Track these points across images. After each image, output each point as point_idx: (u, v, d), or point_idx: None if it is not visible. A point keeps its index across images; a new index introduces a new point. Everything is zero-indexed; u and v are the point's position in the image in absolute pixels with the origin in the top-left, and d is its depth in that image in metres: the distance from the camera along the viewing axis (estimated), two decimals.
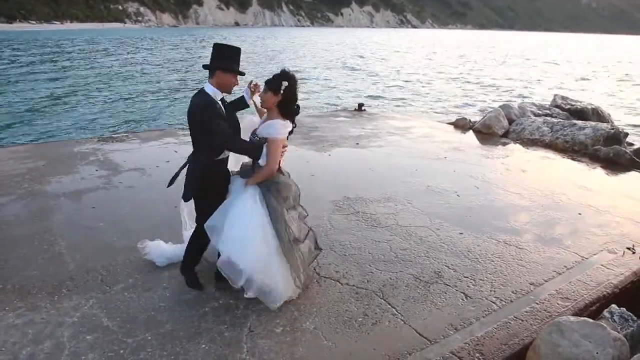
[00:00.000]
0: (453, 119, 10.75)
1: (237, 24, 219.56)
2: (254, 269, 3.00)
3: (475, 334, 2.95)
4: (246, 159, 3.23)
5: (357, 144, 7.94)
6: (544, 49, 78.81)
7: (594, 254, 4.09)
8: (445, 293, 3.40)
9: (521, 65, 43.47)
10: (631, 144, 8.46)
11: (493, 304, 3.28)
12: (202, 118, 2.92)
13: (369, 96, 21.01)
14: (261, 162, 3.01)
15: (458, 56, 54.46)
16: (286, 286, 3.11)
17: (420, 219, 4.74)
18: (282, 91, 2.95)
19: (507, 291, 3.46)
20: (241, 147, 3.05)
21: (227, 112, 3.07)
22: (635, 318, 3.08)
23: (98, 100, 18.68)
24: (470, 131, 9.42)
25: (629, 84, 29.68)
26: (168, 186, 3.21)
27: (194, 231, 3.32)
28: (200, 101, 2.94)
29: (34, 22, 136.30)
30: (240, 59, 3.09)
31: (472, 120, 10.09)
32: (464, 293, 3.41)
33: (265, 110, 3.14)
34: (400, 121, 10.41)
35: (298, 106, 3.12)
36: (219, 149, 3.06)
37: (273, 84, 2.96)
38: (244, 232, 2.97)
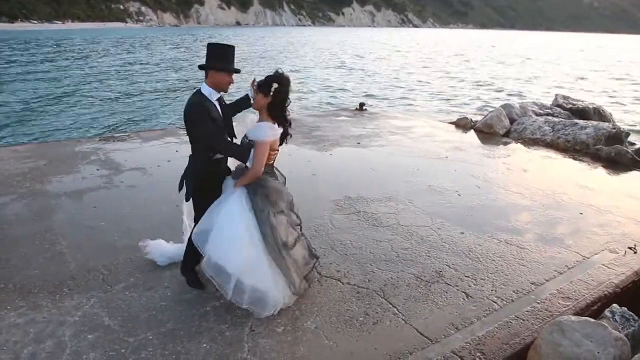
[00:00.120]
0: (454, 118, 10.74)
1: (238, 24, 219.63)
2: (242, 272, 2.95)
3: (476, 333, 2.95)
4: None
5: (359, 143, 7.93)
6: (545, 49, 78.68)
7: (596, 254, 4.08)
8: (447, 292, 3.40)
9: (521, 65, 43.39)
10: (633, 144, 8.43)
11: (494, 304, 3.28)
12: (192, 119, 2.95)
13: (368, 95, 20.99)
14: (248, 164, 2.99)
15: (458, 55, 54.38)
16: (280, 291, 3.05)
17: (422, 219, 4.74)
18: (271, 93, 2.92)
19: (508, 291, 3.46)
20: (229, 150, 3.04)
21: (223, 113, 3.07)
22: (636, 318, 3.07)
23: (98, 99, 18.71)
24: (472, 131, 9.40)
25: (630, 83, 29.60)
26: (179, 190, 3.20)
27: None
28: (193, 102, 2.96)
29: (35, 21, 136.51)
30: (235, 57, 3.09)
31: (474, 119, 10.08)
32: (465, 292, 3.40)
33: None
34: (401, 121, 10.41)
35: (284, 112, 3.03)
36: (212, 149, 3.06)
37: (263, 85, 2.93)
38: (230, 234, 2.95)
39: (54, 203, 4.86)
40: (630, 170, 6.89)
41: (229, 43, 3.14)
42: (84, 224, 4.37)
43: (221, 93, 3.07)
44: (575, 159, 7.43)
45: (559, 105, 10.23)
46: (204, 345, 2.74)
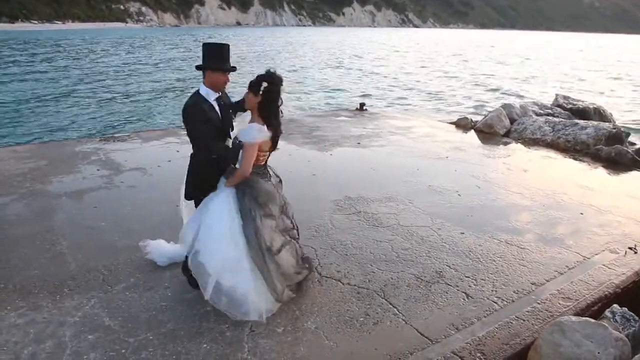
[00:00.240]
0: (454, 118, 10.73)
1: (238, 24, 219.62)
2: (222, 273, 2.91)
3: (476, 333, 2.95)
4: None
5: (359, 143, 7.93)
6: (545, 49, 78.66)
7: (596, 254, 4.08)
8: (447, 293, 3.40)
9: (520, 64, 43.39)
10: (633, 144, 8.43)
11: (494, 304, 3.28)
12: (187, 120, 2.97)
13: (365, 95, 20.98)
14: (237, 165, 2.98)
15: (457, 55, 54.39)
16: (260, 297, 2.97)
17: (422, 219, 4.73)
18: (261, 92, 2.87)
19: (508, 291, 3.45)
20: (219, 152, 3.05)
21: (223, 112, 3.07)
22: (637, 318, 3.07)
23: (95, 100, 18.73)
24: (472, 131, 9.40)
25: (630, 83, 29.58)
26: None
27: None
28: (188, 103, 2.97)
29: (35, 21, 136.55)
30: (234, 57, 3.08)
31: (474, 119, 10.07)
32: (465, 293, 3.40)
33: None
34: (401, 121, 10.41)
35: (275, 113, 2.96)
36: (210, 149, 3.07)
37: (253, 84, 2.89)
38: (213, 233, 2.94)
39: (55, 203, 4.86)
40: (631, 170, 6.89)
41: (223, 42, 3.14)
42: (85, 224, 4.37)
43: (219, 93, 3.07)
44: (575, 159, 7.43)
45: (559, 105, 10.23)
46: (205, 345, 2.74)
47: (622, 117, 15.79)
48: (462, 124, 9.80)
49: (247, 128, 2.92)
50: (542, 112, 9.82)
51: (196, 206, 3.20)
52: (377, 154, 7.33)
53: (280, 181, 3.35)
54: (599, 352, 2.57)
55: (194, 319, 2.98)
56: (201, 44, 3.12)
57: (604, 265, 3.87)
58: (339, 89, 23.81)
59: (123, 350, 2.67)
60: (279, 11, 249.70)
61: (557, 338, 2.68)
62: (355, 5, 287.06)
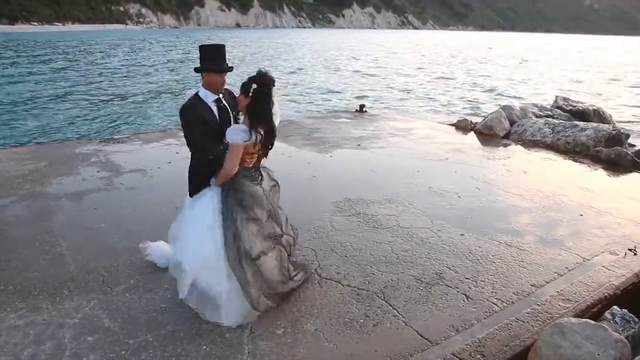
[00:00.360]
0: (454, 120, 10.74)
1: (238, 25, 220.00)
2: (197, 269, 2.88)
3: (476, 335, 2.95)
4: None
5: (359, 145, 7.94)
6: (543, 50, 78.73)
7: (596, 256, 4.08)
8: (447, 294, 3.40)
9: (518, 66, 43.40)
10: (633, 145, 8.42)
11: (494, 305, 3.28)
12: (182, 122, 2.98)
13: (362, 96, 20.98)
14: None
15: (455, 57, 54.46)
16: (234, 300, 2.90)
17: (422, 220, 4.73)
18: (250, 94, 2.83)
19: (508, 292, 3.45)
20: (215, 153, 3.04)
21: (221, 114, 3.07)
22: (637, 319, 3.07)
23: (96, 101, 18.73)
24: (472, 132, 9.41)
25: (630, 85, 29.62)
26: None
27: None
28: (184, 105, 3.00)
29: (35, 23, 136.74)
30: (227, 56, 3.10)
31: (474, 121, 10.08)
32: (465, 294, 3.40)
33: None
34: (401, 122, 10.41)
35: (265, 115, 2.87)
36: (206, 150, 3.07)
37: (244, 85, 2.85)
38: (193, 230, 2.93)
39: (54, 205, 4.86)
40: (630, 172, 6.89)
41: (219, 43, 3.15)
42: (84, 225, 4.37)
43: (218, 94, 3.08)
44: (575, 160, 7.43)
45: (558, 107, 10.24)
46: (204, 347, 2.74)
47: (621, 118, 15.82)
48: (462, 126, 9.81)
49: (233, 129, 2.87)
50: (541, 113, 9.83)
51: None
52: (377, 155, 7.34)
53: (276, 186, 3.28)
54: (598, 354, 2.57)
55: (194, 320, 2.98)
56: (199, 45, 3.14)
57: (603, 266, 3.87)
58: (337, 91, 23.80)
59: (123, 352, 2.67)
60: (278, 13, 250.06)
61: (556, 339, 2.68)
62: (354, 7, 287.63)
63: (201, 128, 2.95)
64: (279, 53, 53.10)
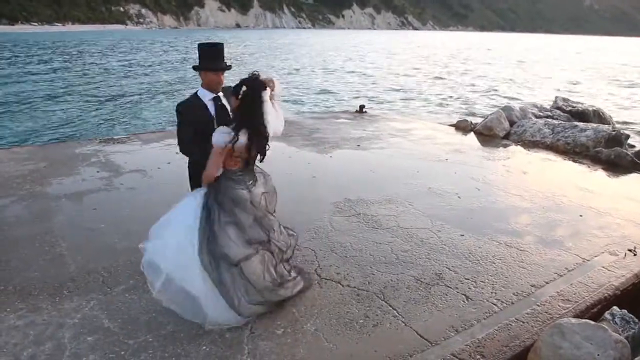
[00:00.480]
0: (454, 120, 10.75)
1: (238, 26, 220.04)
2: (171, 268, 2.84)
3: (476, 335, 2.95)
4: None
5: (358, 145, 7.94)
6: (543, 50, 78.75)
7: (595, 256, 4.08)
8: (446, 295, 3.40)
9: (516, 67, 43.41)
10: (632, 146, 8.44)
11: (494, 306, 3.28)
12: (177, 120, 3.03)
13: (363, 97, 20.99)
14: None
15: (454, 58, 54.47)
16: (210, 302, 2.82)
17: (422, 221, 4.74)
18: (239, 96, 2.80)
19: (508, 293, 3.45)
20: (190, 155, 3.08)
21: (218, 113, 3.07)
22: (636, 320, 3.07)
23: (95, 101, 18.74)
24: (472, 133, 9.41)
25: (629, 85, 29.62)
26: None
27: None
28: (179, 104, 3.05)
29: (35, 23, 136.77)
30: (225, 55, 3.11)
31: (473, 122, 10.09)
32: (464, 295, 3.40)
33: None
34: (401, 123, 10.42)
35: (253, 118, 2.80)
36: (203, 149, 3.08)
37: (235, 87, 2.83)
38: (172, 230, 2.92)
39: (54, 205, 4.86)
40: (630, 172, 6.90)
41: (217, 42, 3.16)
42: (84, 226, 4.37)
43: (217, 93, 3.09)
44: (575, 161, 7.44)
45: (558, 108, 10.25)
46: (204, 347, 2.74)
47: (621, 119, 15.83)
48: (462, 126, 9.81)
49: (216, 130, 2.83)
50: (541, 114, 9.84)
51: None
52: (377, 156, 7.34)
53: (270, 193, 3.18)
54: (598, 354, 2.57)
55: (194, 320, 2.98)
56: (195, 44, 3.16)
57: (603, 267, 3.88)
58: (336, 92, 23.83)
59: (122, 352, 2.67)
60: (278, 13, 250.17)
61: (556, 340, 2.68)
62: (354, 7, 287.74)
63: (190, 128, 2.98)
64: (279, 53, 53.12)
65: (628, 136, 8.36)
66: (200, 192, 3.00)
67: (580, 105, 10.43)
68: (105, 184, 5.56)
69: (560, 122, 8.84)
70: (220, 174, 2.91)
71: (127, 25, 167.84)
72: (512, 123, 9.32)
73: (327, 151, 7.48)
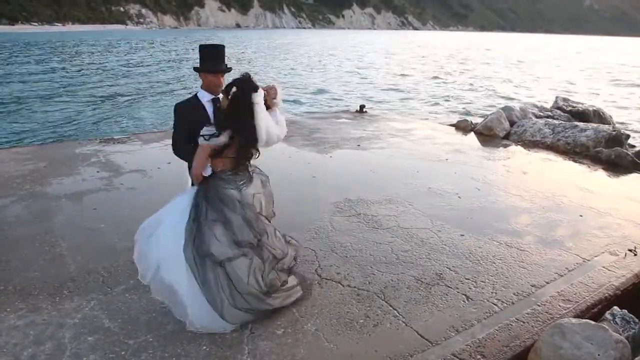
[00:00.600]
0: (454, 120, 10.74)
1: (238, 26, 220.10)
2: (159, 261, 2.85)
3: (476, 335, 2.95)
4: None
5: (359, 145, 7.94)
6: (543, 50, 78.76)
7: (596, 256, 4.08)
8: (447, 295, 3.40)
9: (515, 68, 43.42)
10: (633, 146, 8.43)
11: (494, 306, 3.28)
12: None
13: (363, 97, 21.00)
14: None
15: (453, 58, 54.48)
16: (196, 302, 2.78)
17: (422, 221, 4.73)
18: (229, 96, 2.80)
19: (508, 293, 3.45)
20: (180, 155, 3.07)
21: (216, 114, 3.07)
22: (637, 320, 3.07)
23: (95, 102, 18.76)
24: (472, 133, 9.41)
25: (629, 85, 29.62)
26: None
27: None
28: (178, 103, 3.04)
29: (35, 23, 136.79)
30: (225, 56, 3.11)
31: (474, 122, 10.08)
32: (465, 295, 3.40)
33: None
34: (401, 123, 10.41)
35: (241, 120, 2.77)
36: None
37: (226, 87, 2.83)
38: (162, 222, 2.94)
39: (54, 205, 4.86)
40: (630, 172, 6.89)
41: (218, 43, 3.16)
42: (84, 226, 4.37)
43: (216, 95, 3.09)
44: (575, 161, 7.43)
45: (558, 108, 10.24)
46: (204, 347, 2.74)
47: (621, 119, 15.83)
48: (462, 126, 9.81)
49: (202, 130, 2.84)
50: (541, 114, 9.83)
51: None
52: (377, 156, 7.34)
53: (263, 194, 3.13)
54: (599, 354, 2.57)
55: None
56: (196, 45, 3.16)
57: (603, 267, 3.87)
58: (336, 91, 23.85)
59: (123, 352, 2.67)
60: (278, 13, 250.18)
61: (557, 340, 2.68)
62: (354, 7, 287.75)
63: (184, 129, 2.98)
64: (278, 53, 53.14)
65: (628, 136, 8.35)
66: (191, 191, 3.02)
67: (580, 105, 10.42)
68: (106, 184, 5.56)
69: (560, 122, 8.83)
70: (210, 174, 2.93)
71: (127, 25, 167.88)
72: (512, 123, 9.32)
73: (327, 151, 7.48)
